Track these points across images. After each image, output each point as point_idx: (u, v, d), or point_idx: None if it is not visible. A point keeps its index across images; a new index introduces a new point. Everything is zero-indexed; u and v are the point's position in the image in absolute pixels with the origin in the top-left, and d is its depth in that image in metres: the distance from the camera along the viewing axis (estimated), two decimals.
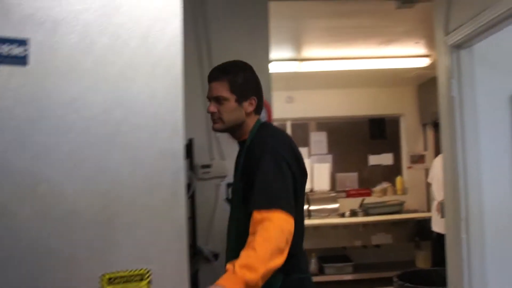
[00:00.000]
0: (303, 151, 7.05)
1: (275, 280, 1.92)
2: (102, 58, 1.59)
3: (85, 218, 1.57)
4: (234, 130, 2.15)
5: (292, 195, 1.91)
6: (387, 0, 3.60)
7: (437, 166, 5.37)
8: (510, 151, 3.36)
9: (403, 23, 4.25)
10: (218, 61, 3.35)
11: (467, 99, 3.23)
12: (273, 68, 5.11)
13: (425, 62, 5.49)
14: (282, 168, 1.92)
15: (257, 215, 1.81)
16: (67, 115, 1.55)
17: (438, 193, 5.30)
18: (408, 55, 5.39)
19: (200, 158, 3.33)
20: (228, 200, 3.38)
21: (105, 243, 1.60)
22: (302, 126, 7.27)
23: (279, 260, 1.75)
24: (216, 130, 2.16)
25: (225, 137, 3.36)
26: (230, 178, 3.37)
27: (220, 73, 2.13)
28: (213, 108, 2.10)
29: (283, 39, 4.64)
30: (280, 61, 5.26)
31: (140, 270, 1.63)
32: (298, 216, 1.97)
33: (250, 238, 1.78)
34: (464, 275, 3.25)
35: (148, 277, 1.63)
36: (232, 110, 2.07)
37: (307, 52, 5.10)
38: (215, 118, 2.11)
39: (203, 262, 3.29)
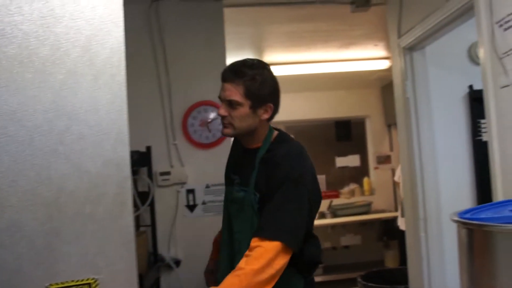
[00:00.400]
0: None
1: (297, 282, 1.94)
2: (43, 68, 1.59)
3: (30, 228, 1.56)
4: (244, 136, 2.00)
5: (302, 227, 1.83)
6: (341, 4, 3.65)
7: None
8: (466, 150, 3.44)
9: (360, 26, 4.31)
10: (175, 68, 3.40)
11: (421, 100, 3.31)
12: None
13: (385, 64, 5.56)
14: (301, 198, 1.82)
15: (257, 241, 1.75)
16: (8, 126, 1.54)
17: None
18: (368, 57, 5.46)
19: (159, 165, 3.33)
20: (189, 206, 3.39)
21: (51, 253, 1.59)
22: None
23: None
24: (225, 135, 1.97)
25: (184, 144, 3.40)
26: (189, 185, 3.38)
27: (235, 74, 1.88)
28: (223, 111, 1.90)
29: (244, 45, 4.67)
30: None
31: (88, 279, 1.63)
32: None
33: (241, 261, 1.75)
34: (424, 273, 3.32)
35: (95, 286, 1.63)
36: (245, 117, 1.88)
37: (269, 57, 5.13)
38: (226, 123, 1.92)
39: (165, 269, 3.29)
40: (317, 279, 6.35)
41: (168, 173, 3.34)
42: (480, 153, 3.31)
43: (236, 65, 1.92)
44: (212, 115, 3.41)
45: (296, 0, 3.57)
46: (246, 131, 1.93)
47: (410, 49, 3.27)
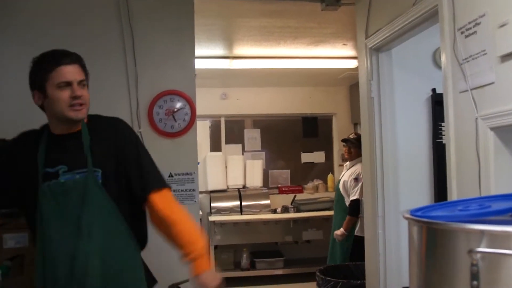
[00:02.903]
0: (237, 147, 7.13)
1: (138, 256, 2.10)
2: None
3: None
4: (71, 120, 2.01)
5: None
6: (312, 1, 3.68)
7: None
8: (426, 152, 3.51)
9: (330, 25, 4.36)
10: (142, 58, 3.39)
11: (385, 100, 3.36)
12: (205, 64, 5.15)
13: (354, 64, 5.62)
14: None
15: (156, 194, 2.01)
16: None
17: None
18: (337, 56, 5.51)
19: None
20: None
21: None
22: (238, 123, 7.33)
23: None
24: (81, 118, 1.99)
25: (148, 133, 3.38)
26: None
27: (74, 56, 2.01)
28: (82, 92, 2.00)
29: (214, 37, 4.66)
30: (212, 58, 5.28)
31: None
32: None
33: (174, 216, 2.02)
34: (380, 269, 3.39)
35: None
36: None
37: (239, 50, 5.14)
38: (83, 104, 1.99)
39: None
40: (277, 272, 6.44)
41: None
42: (440, 155, 3.39)
43: (64, 50, 2.01)
44: (178, 104, 3.40)
45: None
46: None
47: (377, 49, 3.33)
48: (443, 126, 3.40)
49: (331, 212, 6.58)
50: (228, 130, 7.24)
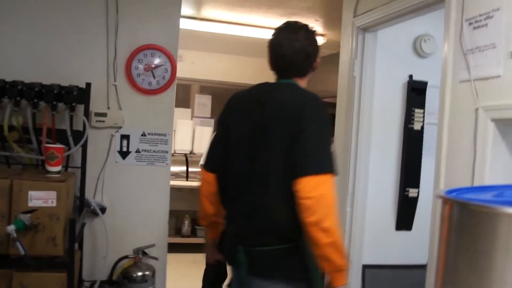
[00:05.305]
0: (186, 112, 6.97)
1: None
2: None
3: None
4: None
5: None
6: None
7: None
8: (397, 135, 3.57)
9: None
10: (125, 10, 3.20)
11: (366, 80, 3.39)
12: None
13: (320, 41, 5.60)
14: None
15: None
16: None
17: None
18: None
19: (95, 105, 3.12)
20: (121, 152, 3.24)
21: None
22: (188, 87, 7.18)
23: None
24: None
25: (124, 87, 3.23)
26: (125, 130, 3.23)
27: None
28: None
29: None
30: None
31: None
32: None
33: None
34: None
35: None
36: None
37: (207, 12, 4.96)
38: None
39: (88, 215, 3.14)
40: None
41: (104, 114, 3.15)
42: (411, 140, 3.48)
43: None
44: (158, 60, 3.26)
45: None
46: None
47: (364, 29, 3.34)
48: (416, 112, 3.50)
49: None
50: (178, 93, 7.04)
